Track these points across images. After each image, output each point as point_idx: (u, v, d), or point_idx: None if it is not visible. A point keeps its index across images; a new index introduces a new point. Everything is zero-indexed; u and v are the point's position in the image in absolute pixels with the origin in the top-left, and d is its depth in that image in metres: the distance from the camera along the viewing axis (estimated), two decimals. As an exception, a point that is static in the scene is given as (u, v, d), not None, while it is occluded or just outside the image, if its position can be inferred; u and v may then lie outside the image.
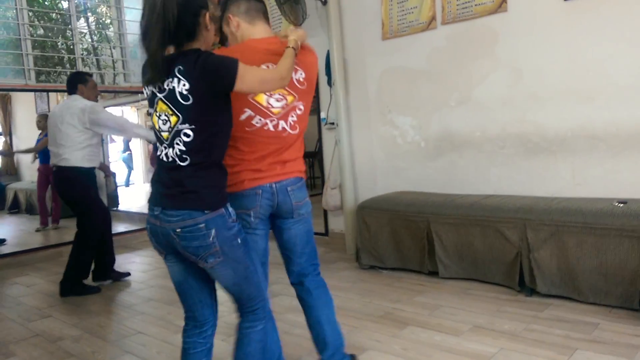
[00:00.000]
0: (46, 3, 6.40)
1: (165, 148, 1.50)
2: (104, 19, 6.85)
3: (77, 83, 3.66)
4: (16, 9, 4.86)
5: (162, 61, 1.45)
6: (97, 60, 6.25)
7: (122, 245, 5.06)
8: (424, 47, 3.78)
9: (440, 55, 3.70)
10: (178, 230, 1.47)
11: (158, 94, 1.49)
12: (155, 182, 1.55)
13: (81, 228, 3.67)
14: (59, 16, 6.39)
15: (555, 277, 2.78)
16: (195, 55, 1.46)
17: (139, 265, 4.41)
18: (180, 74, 1.44)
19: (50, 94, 7.86)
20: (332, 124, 4.27)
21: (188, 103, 1.44)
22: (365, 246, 3.63)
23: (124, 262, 4.50)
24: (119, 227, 6.00)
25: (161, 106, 1.49)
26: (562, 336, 2.34)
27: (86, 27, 6.87)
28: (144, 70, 1.55)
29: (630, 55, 2.90)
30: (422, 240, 3.32)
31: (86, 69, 5.63)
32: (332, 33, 4.11)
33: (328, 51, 4.16)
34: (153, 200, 1.54)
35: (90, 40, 6.72)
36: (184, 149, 1.46)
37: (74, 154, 3.54)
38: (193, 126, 1.45)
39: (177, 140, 1.46)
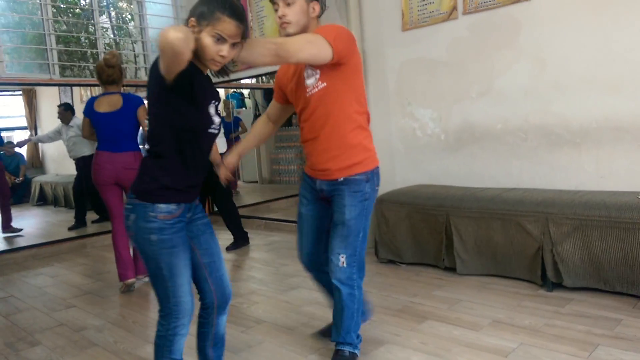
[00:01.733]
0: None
1: None
2: (125, 14, 6.92)
3: None
4: (40, 4, 4.94)
5: None
6: (119, 54, 6.32)
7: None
8: (445, 37, 3.72)
9: (461, 46, 3.64)
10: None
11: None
12: None
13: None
14: (81, 11, 6.49)
15: (579, 269, 2.73)
16: None
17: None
18: None
19: (74, 88, 8.00)
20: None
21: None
22: (384, 240, 3.61)
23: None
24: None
25: None
26: (583, 332, 2.30)
27: (108, 22, 6.96)
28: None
29: (658, 44, 2.81)
30: (440, 234, 3.29)
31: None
32: (352, 25, 4.08)
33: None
34: None
35: (112, 35, 6.81)
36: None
37: None
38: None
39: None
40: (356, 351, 2.13)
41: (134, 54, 6.11)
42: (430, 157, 3.92)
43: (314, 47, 1.80)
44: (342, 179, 2.00)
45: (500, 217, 3.01)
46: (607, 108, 3.02)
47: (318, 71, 1.94)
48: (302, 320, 2.72)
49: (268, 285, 3.43)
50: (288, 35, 1.92)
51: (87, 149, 5.89)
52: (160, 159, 1.56)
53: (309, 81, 1.96)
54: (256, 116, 8.44)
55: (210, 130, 1.62)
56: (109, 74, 3.47)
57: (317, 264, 2.26)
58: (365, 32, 4.19)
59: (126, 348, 2.55)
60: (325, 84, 1.93)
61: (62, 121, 6.09)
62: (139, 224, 1.56)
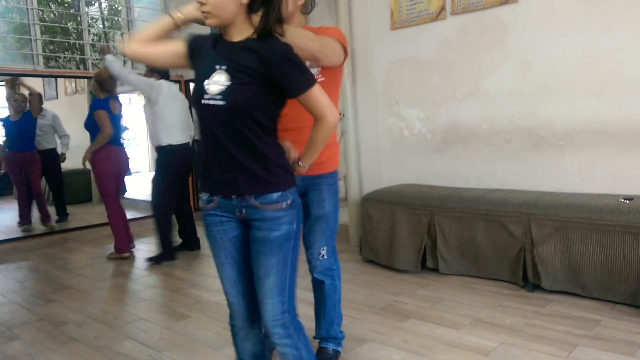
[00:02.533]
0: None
1: None
2: (116, 5, 6.83)
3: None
4: (25, -7, 4.86)
5: None
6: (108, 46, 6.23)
7: (127, 232, 5.09)
8: (433, 37, 3.73)
9: (449, 46, 3.65)
10: None
11: None
12: None
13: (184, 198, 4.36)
14: (70, 1, 6.39)
15: (558, 272, 2.76)
16: None
17: (143, 252, 4.43)
18: None
19: (58, 79, 7.88)
20: (339, 114, 4.24)
21: None
22: (367, 239, 3.62)
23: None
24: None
25: None
26: (563, 332, 2.33)
27: (98, 13, 6.86)
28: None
29: (642, 49, 2.85)
30: (422, 234, 3.29)
31: (95, 55, 5.62)
32: (341, 22, 4.07)
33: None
34: None
35: (101, 26, 6.72)
36: None
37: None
38: None
39: None
40: (339, 349, 2.14)
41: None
42: (417, 156, 3.93)
43: (339, 55, 1.88)
44: (321, 174, 1.99)
45: (484, 218, 3.04)
46: (590, 111, 3.05)
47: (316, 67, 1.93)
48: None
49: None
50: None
51: (53, 141, 5.73)
52: None
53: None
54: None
55: (205, 101, 1.38)
56: (112, 83, 4.12)
57: None
58: (355, 30, 4.19)
59: (106, 344, 2.53)
60: (324, 78, 1.92)
61: (33, 111, 5.59)
62: None
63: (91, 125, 4.07)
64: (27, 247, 4.75)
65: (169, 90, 3.94)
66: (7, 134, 5.38)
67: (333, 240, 2.09)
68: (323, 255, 2.05)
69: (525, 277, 2.89)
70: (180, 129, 3.97)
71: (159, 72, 3.96)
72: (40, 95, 5.91)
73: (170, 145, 3.89)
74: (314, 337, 2.17)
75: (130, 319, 2.86)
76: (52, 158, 5.68)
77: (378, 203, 3.55)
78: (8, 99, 5.47)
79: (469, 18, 3.52)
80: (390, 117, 4.08)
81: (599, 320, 2.43)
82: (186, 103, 4.15)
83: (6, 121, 5.33)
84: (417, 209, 3.33)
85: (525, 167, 3.36)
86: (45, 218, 5.36)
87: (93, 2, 6.69)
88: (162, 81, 3.93)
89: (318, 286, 2.10)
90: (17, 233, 5.23)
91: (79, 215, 6.06)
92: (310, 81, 1.40)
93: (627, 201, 2.65)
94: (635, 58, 2.87)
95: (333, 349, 2.12)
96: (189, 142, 4.09)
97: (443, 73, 3.71)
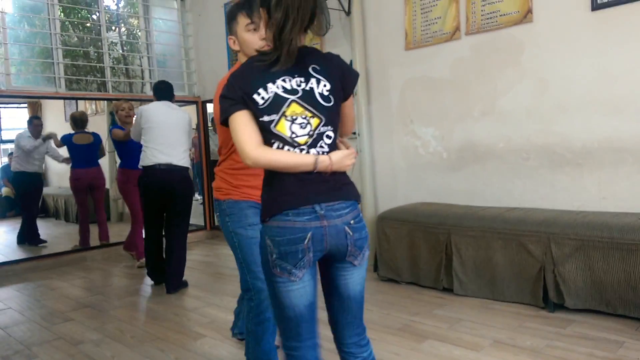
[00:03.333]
0: (80, 14, 6.57)
1: (301, 152, 1.38)
2: (135, 30, 7.01)
3: (173, 92, 3.97)
4: (49, 19, 5.01)
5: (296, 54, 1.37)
6: (127, 69, 6.39)
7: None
8: (448, 57, 3.75)
9: (464, 66, 3.67)
10: (352, 221, 1.41)
11: (289, 96, 1.37)
12: (295, 182, 1.38)
13: (184, 227, 3.92)
14: (91, 26, 6.58)
15: (581, 290, 2.71)
16: (322, 53, 1.44)
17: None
18: (318, 74, 1.39)
19: (79, 101, 8.06)
20: (354, 133, 4.26)
21: (330, 105, 1.40)
22: (384, 258, 3.60)
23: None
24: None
25: (295, 109, 1.37)
26: (585, 354, 2.27)
27: (117, 37, 7.04)
28: (248, 72, 1.41)
29: (660, 66, 2.83)
30: (440, 253, 3.27)
31: (115, 78, 5.76)
32: (355, 43, 4.12)
33: (351, 61, 4.17)
34: (305, 200, 1.38)
35: (120, 50, 6.89)
36: (328, 150, 1.40)
37: (187, 155, 3.90)
38: (332, 127, 1.41)
39: (321, 143, 1.39)
40: None
41: (141, 69, 6.18)
42: (432, 175, 3.92)
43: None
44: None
45: (502, 237, 3.00)
46: (609, 129, 3.03)
47: None
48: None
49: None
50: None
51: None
52: None
53: None
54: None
55: None
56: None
57: None
58: (369, 51, 4.23)
59: (123, 363, 2.53)
60: None
61: (35, 135, 5.70)
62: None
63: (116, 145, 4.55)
64: (45, 266, 4.81)
65: (152, 113, 3.75)
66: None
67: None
68: None
69: (546, 297, 2.84)
70: (157, 151, 3.70)
71: (157, 93, 3.87)
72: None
73: (144, 167, 3.76)
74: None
75: (147, 338, 2.86)
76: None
77: (394, 222, 3.54)
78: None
79: (484, 38, 3.54)
80: (406, 135, 4.08)
81: (622, 341, 2.37)
82: (177, 123, 3.82)
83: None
84: (434, 227, 3.31)
85: (543, 186, 3.32)
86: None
87: (113, 28, 6.87)
88: (146, 106, 3.79)
89: None
90: (37, 252, 5.31)
91: (97, 233, 6.13)
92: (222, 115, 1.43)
93: (649, 220, 2.60)
94: (654, 75, 2.85)
95: None
96: (168, 164, 3.71)
97: (458, 92, 3.71)
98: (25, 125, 5.91)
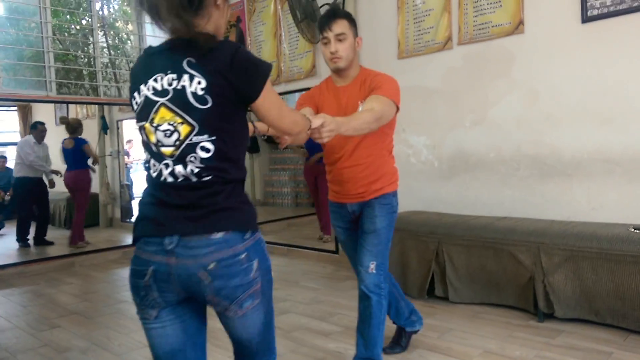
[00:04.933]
0: (67, 17, 6.54)
1: (166, 166, 1.13)
2: (122, 34, 6.98)
3: None
4: (40, 22, 4.98)
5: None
6: (115, 74, 6.36)
7: (129, 258, 5.08)
8: (440, 67, 3.78)
9: (455, 76, 3.69)
10: (211, 266, 1.10)
11: (158, 98, 1.12)
12: (154, 205, 1.15)
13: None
14: (80, 30, 6.54)
15: (571, 300, 2.73)
16: (211, 43, 1.11)
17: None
18: (192, 68, 1.10)
19: (70, 105, 8.01)
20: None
21: (206, 107, 1.10)
22: (376, 265, 3.59)
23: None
24: (127, 239, 6.05)
25: (162, 114, 1.12)
26: (575, 365, 2.28)
27: (108, 41, 6.99)
28: (137, 68, 1.21)
29: (648, 79, 2.86)
30: (430, 262, 3.27)
31: (105, 82, 5.73)
32: (348, 51, 4.13)
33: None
34: (156, 229, 1.12)
35: (108, 54, 6.85)
36: (202, 165, 1.11)
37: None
38: (213, 137, 1.11)
39: (191, 157, 1.11)
40: None
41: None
42: (424, 183, 3.93)
43: (391, 115, 2.04)
44: (376, 197, 2.14)
45: (492, 246, 3.01)
46: (598, 140, 3.06)
47: None
48: (291, 347, 2.68)
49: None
50: (338, 68, 2.09)
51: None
52: (242, 182, 1.21)
53: None
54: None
55: None
56: None
57: None
58: (362, 59, 4.24)
59: (110, 371, 2.50)
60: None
61: (39, 140, 5.87)
62: (265, 266, 1.19)
63: None
64: (32, 272, 4.75)
65: None
66: None
67: (384, 259, 2.14)
68: (372, 269, 2.09)
69: (536, 306, 2.85)
70: None
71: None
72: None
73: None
74: (354, 358, 2.19)
75: (134, 346, 2.83)
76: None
77: (385, 230, 3.53)
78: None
79: (476, 48, 3.57)
80: (398, 144, 4.07)
81: (611, 352, 2.38)
82: None
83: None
84: (425, 236, 3.31)
85: (533, 196, 3.34)
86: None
87: (103, 32, 6.84)
88: None
89: (364, 302, 2.12)
90: (24, 257, 5.24)
91: (92, 237, 6.09)
92: None
93: (638, 231, 2.62)
94: (642, 88, 2.89)
95: None
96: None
97: (450, 101, 3.74)
98: (13, 127, 5.95)
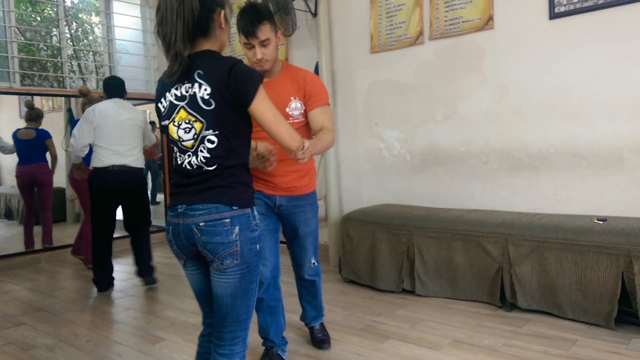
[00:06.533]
0: (30, 9, 6.32)
1: (189, 157, 1.47)
2: (87, 25, 6.79)
3: (124, 88, 3.89)
4: (3, 11, 4.81)
5: (185, 63, 1.42)
6: (79, 65, 6.19)
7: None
8: (412, 61, 3.81)
9: (427, 70, 3.73)
10: (201, 224, 1.44)
11: (179, 102, 1.46)
12: (177, 186, 1.52)
13: (145, 225, 3.89)
14: (44, 20, 6.34)
15: (535, 292, 2.79)
16: (214, 57, 1.45)
17: (119, 273, 4.34)
18: (200, 78, 1.42)
19: (35, 98, 7.77)
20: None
21: (210, 108, 1.42)
22: (347, 259, 3.61)
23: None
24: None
25: (181, 114, 1.46)
26: (540, 352, 2.34)
27: (72, 32, 6.79)
28: (160, 85, 1.54)
29: (613, 74, 2.95)
30: (402, 254, 3.31)
31: (70, 74, 5.57)
32: (322, 45, 4.13)
33: (317, 62, 4.17)
34: (175, 200, 1.50)
35: (72, 44, 6.66)
36: (209, 155, 1.44)
37: (141, 155, 3.81)
38: (216, 132, 1.43)
39: (201, 147, 1.44)
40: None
41: (95, 65, 5.99)
42: (396, 177, 3.97)
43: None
44: (304, 194, 2.32)
45: (462, 238, 3.06)
46: (564, 134, 3.14)
47: (304, 108, 2.20)
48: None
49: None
50: (264, 70, 2.11)
51: None
52: (242, 167, 1.51)
53: (295, 112, 2.19)
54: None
55: None
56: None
57: (275, 278, 2.31)
58: (335, 53, 4.25)
59: (78, 368, 2.44)
60: (305, 120, 2.23)
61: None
62: (246, 235, 1.47)
63: None
64: (-4, 268, 4.60)
65: (103, 114, 3.66)
66: None
67: (318, 250, 2.50)
68: (314, 264, 2.44)
69: (503, 297, 2.91)
70: (111, 152, 3.62)
71: (107, 90, 3.79)
72: None
73: (95, 169, 3.65)
74: (312, 324, 2.58)
75: (103, 342, 2.77)
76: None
77: (358, 223, 3.56)
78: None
79: (447, 43, 3.61)
80: (370, 138, 4.12)
81: (575, 339, 2.46)
82: (129, 122, 3.72)
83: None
84: (397, 229, 3.34)
85: (502, 188, 3.41)
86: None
87: (68, 22, 6.64)
88: (97, 105, 3.71)
89: (311, 287, 2.51)
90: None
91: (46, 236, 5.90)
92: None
93: (601, 222, 2.71)
94: (606, 84, 2.97)
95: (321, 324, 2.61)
96: (122, 165, 3.64)
97: (421, 96, 3.77)
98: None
